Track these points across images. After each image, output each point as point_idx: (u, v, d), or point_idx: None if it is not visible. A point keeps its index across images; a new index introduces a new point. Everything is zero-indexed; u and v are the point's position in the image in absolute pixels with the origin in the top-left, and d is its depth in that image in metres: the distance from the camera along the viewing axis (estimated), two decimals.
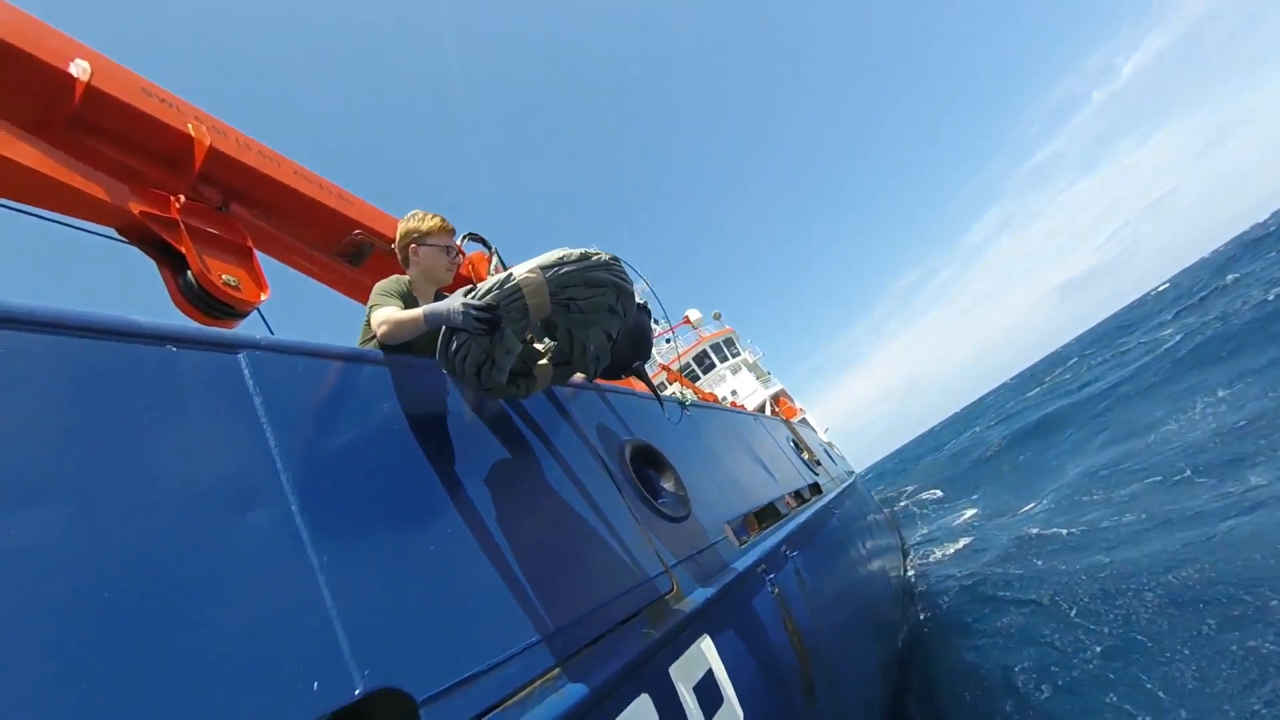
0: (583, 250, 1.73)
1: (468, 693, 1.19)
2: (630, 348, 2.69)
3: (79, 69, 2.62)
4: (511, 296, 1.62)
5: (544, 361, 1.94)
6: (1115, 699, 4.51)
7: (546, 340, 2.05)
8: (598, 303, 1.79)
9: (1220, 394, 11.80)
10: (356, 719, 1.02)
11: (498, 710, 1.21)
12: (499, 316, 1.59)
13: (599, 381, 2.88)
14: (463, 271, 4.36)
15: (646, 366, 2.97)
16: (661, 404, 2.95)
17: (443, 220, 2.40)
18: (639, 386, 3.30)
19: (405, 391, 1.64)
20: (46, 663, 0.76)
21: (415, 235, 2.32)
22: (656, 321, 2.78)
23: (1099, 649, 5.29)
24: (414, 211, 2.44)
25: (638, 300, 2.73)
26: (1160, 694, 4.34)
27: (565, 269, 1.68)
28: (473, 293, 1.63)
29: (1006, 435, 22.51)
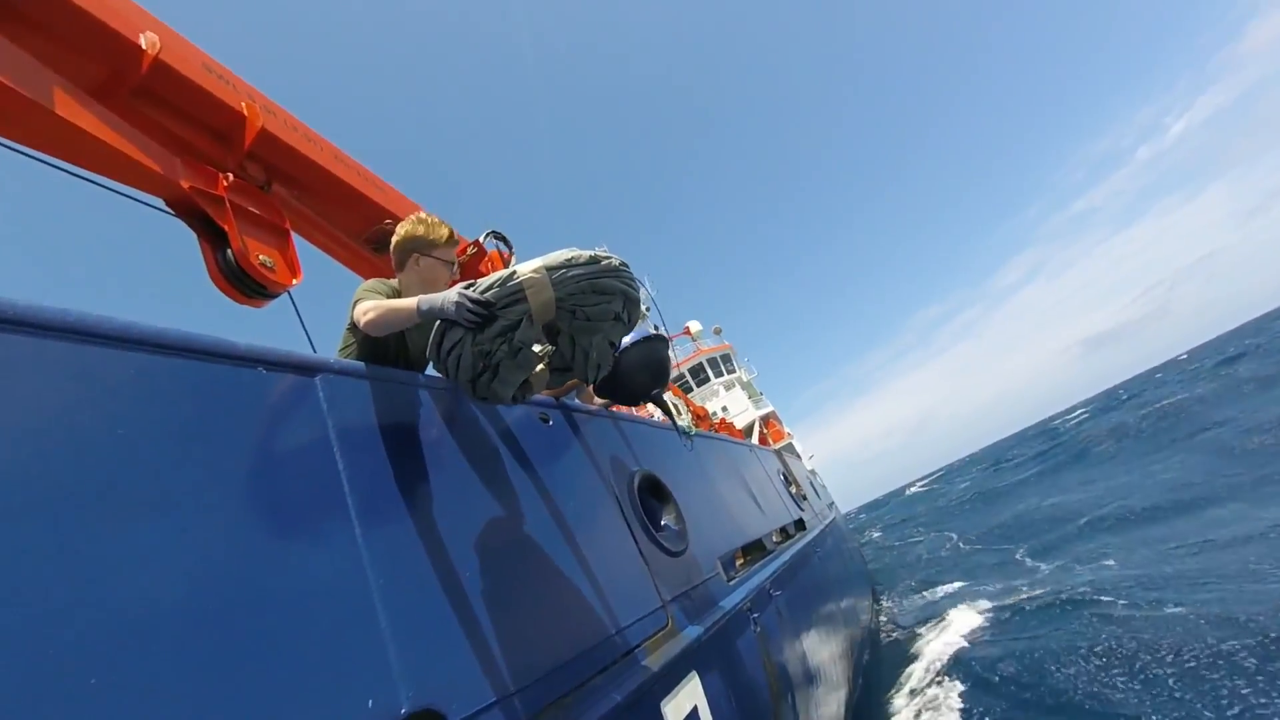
0: (592, 253, 1.64)
1: (492, 717, 1.26)
2: (649, 377, 2.68)
3: (148, 41, 2.67)
4: (513, 294, 1.54)
5: (541, 367, 1.82)
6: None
7: (545, 344, 1.91)
8: (604, 310, 1.72)
9: None
10: None
11: None
12: (495, 315, 1.53)
13: (615, 409, 2.95)
14: (482, 269, 4.38)
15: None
16: (680, 434, 3.00)
17: (452, 231, 2.26)
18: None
19: (448, 415, 1.72)
20: (135, 657, 0.83)
21: (422, 244, 2.17)
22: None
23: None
24: (421, 215, 2.31)
25: (655, 330, 2.77)
26: None
27: (573, 272, 1.59)
28: (473, 286, 1.56)
29: None
